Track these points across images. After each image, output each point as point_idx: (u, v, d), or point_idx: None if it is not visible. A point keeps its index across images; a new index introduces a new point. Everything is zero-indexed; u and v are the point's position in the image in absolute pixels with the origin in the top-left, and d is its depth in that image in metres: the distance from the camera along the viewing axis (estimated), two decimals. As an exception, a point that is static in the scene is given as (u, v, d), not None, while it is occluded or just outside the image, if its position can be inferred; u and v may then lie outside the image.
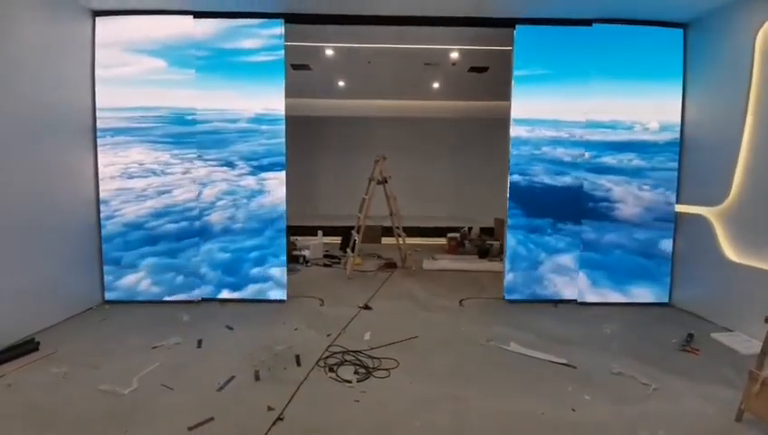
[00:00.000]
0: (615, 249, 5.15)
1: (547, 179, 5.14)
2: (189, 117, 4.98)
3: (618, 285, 5.15)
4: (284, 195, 5.08)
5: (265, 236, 5.07)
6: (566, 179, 5.13)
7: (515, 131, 5.08)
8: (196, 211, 5.01)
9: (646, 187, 5.11)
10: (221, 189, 5.04)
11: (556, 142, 5.09)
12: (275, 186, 5.06)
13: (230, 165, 5.04)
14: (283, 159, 5.04)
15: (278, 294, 5.08)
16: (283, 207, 5.07)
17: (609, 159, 5.10)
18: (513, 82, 5.04)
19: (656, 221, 5.13)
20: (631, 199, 5.11)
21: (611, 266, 5.16)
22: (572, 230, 5.15)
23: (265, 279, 5.08)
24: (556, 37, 5.00)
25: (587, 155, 5.09)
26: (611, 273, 5.16)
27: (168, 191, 4.99)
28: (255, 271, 5.08)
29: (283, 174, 5.06)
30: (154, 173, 4.97)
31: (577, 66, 5.01)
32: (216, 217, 5.04)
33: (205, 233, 5.04)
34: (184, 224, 5.01)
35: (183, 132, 4.98)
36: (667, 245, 5.13)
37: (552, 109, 5.06)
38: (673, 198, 5.11)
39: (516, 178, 5.12)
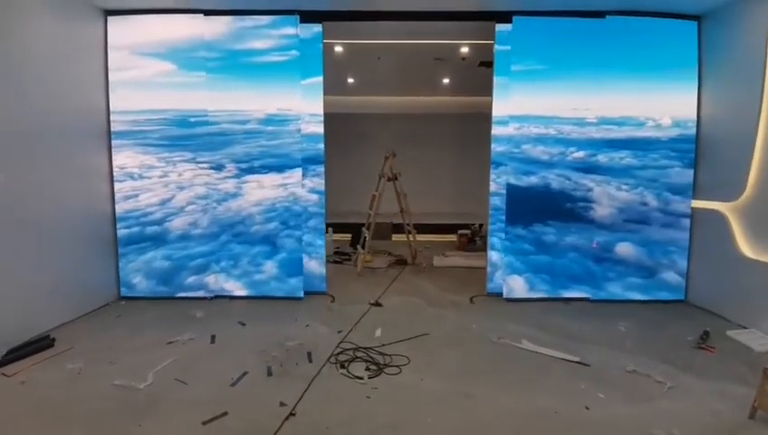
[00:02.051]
0: (570, 252, 5.10)
1: (523, 179, 5.12)
2: (193, 119, 4.97)
3: (554, 289, 5.11)
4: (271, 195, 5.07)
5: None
6: (545, 179, 5.09)
7: (504, 130, 5.08)
8: (158, 214, 4.99)
9: (625, 187, 5.02)
10: (197, 193, 5.01)
11: (547, 140, 5.04)
12: (253, 188, 5.05)
13: (219, 168, 5.03)
14: (274, 160, 5.03)
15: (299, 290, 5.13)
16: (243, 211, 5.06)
17: (602, 157, 5.02)
18: (494, 79, 5.04)
19: (625, 223, 5.04)
20: (606, 200, 5.03)
21: (555, 270, 5.10)
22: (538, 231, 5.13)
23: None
24: (561, 29, 4.92)
25: (582, 153, 5.03)
26: (553, 277, 5.11)
27: (135, 196, 4.97)
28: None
29: (264, 176, 5.04)
30: (131, 177, 4.96)
31: (583, 60, 4.93)
32: (178, 223, 5.01)
33: (159, 237, 4.99)
34: (135, 229, 4.99)
35: (183, 135, 4.98)
36: (623, 248, 5.04)
37: (555, 105, 5.00)
38: (650, 197, 5.00)
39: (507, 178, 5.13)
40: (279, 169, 5.07)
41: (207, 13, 4.85)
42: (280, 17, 4.90)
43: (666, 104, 4.94)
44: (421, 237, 7.34)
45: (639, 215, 5.05)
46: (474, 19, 5.05)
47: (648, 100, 4.94)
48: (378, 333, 4.07)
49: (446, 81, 8.77)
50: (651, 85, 4.92)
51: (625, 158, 5.03)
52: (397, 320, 4.43)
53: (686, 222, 5.01)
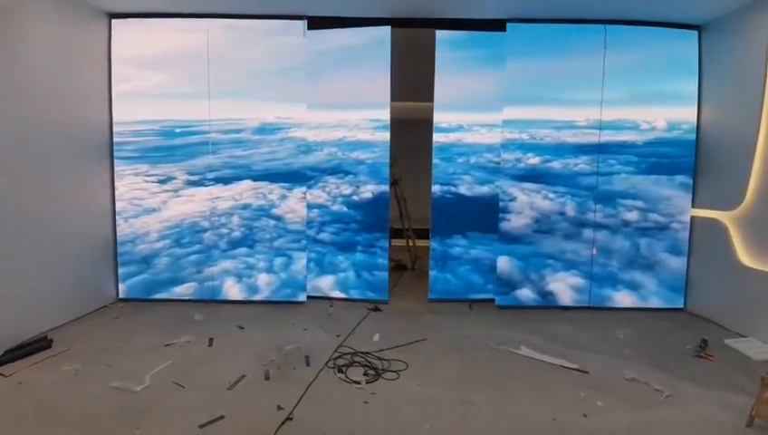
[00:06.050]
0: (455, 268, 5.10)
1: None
2: (179, 130, 4.90)
3: None
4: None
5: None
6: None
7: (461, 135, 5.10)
8: None
9: (552, 195, 4.89)
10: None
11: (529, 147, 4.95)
12: (180, 202, 4.90)
13: (166, 180, 4.91)
14: (231, 172, 4.90)
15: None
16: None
17: (556, 164, 4.88)
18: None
19: (534, 233, 4.93)
20: (526, 210, 4.92)
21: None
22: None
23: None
24: (558, 37, 4.90)
25: (537, 160, 4.92)
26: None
27: None
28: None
29: (203, 189, 4.89)
30: None
31: (581, 68, 4.92)
32: None
33: None
34: None
35: (157, 146, 4.89)
36: (502, 262, 4.97)
37: (545, 112, 4.92)
38: (569, 206, 4.87)
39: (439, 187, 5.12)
40: (226, 181, 4.93)
41: (211, 17, 4.85)
42: (286, 23, 4.88)
43: (664, 111, 4.92)
44: (421, 242, 7.34)
45: (549, 224, 4.95)
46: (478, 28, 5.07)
47: (647, 107, 4.92)
48: (376, 337, 4.07)
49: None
50: (650, 92, 4.91)
51: (579, 164, 4.91)
52: (395, 325, 4.43)
53: (589, 232, 4.93)
